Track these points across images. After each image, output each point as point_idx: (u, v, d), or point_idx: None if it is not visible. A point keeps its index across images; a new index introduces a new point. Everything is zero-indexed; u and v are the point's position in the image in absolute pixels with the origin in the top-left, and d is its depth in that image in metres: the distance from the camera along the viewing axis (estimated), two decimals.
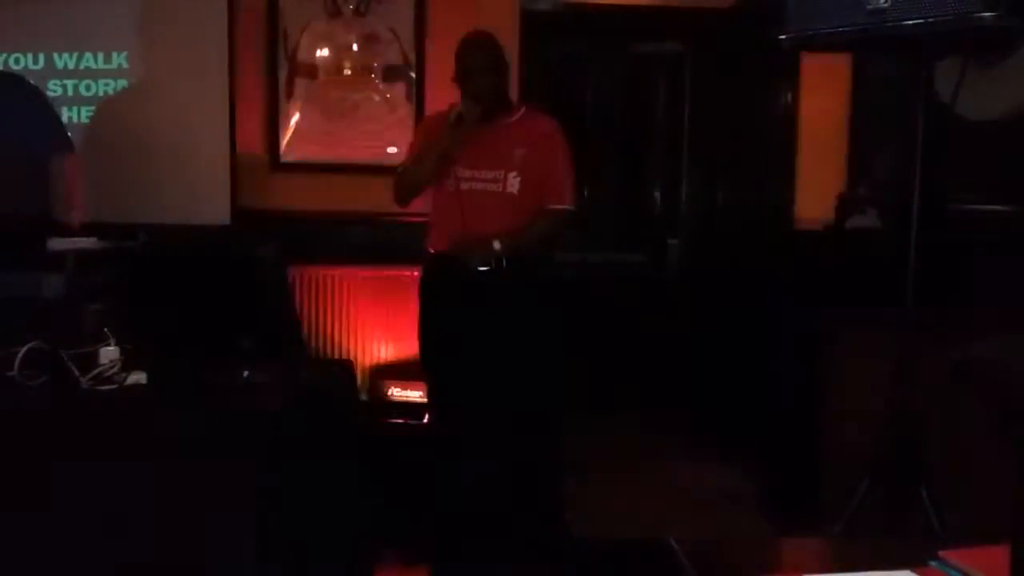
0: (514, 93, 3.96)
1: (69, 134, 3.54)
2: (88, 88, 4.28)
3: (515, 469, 3.61)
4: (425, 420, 4.10)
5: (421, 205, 3.52)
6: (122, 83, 4.26)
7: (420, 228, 4.03)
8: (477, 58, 3.32)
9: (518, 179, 3.35)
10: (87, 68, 4.26)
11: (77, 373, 2.28)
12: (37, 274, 2.81)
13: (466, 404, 3.49)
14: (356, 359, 4.29)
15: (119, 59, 4.26)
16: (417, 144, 3.50)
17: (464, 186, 3.34)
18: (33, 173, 3.22)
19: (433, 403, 3.58)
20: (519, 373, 3.46)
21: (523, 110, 3.48)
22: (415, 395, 4.27)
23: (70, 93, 4.27)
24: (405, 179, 3.44)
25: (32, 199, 3.20)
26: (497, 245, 3.28)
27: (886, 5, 1.97)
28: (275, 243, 2.34)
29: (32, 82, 3.45)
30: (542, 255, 3.51)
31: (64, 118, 4.22)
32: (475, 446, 3.51)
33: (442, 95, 4.44)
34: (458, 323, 3.40)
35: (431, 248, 3.47)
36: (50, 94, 4.18)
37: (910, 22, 1.95)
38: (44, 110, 3.35)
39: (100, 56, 4.26)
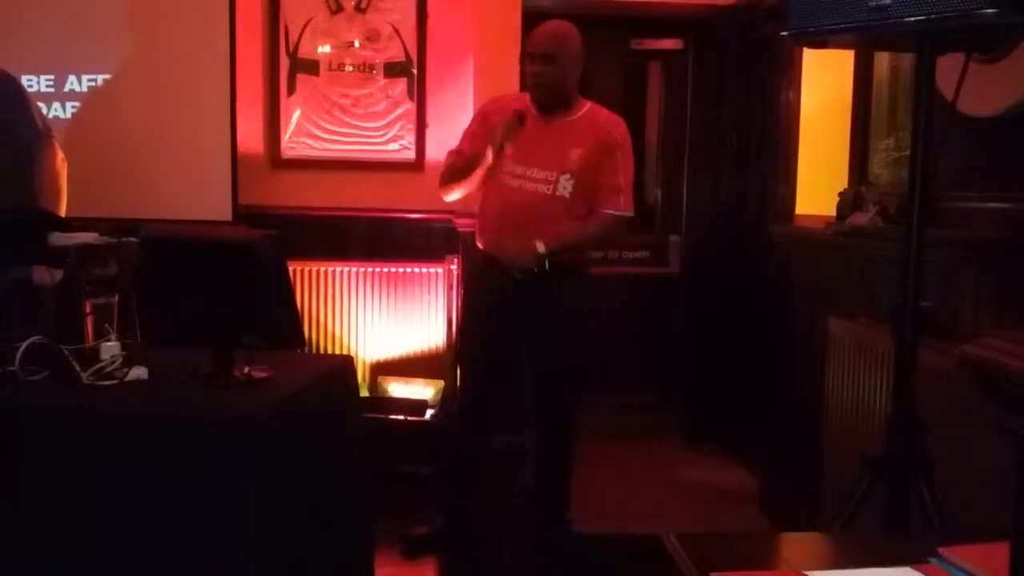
0: (514, 89, 3.96)
1: (47, 122, 3.49)
2: (92, 82, 4.28)
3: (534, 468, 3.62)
4: (427, 416, 4.11)
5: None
6: (124, 79, 4.26)
7: (420, 224, 4.05)
8: (535, 43, 3.24)
9: (571, 181, 3.23)
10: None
11: (78, 368, 2.28)
12: (38, 269, 2.82)
13: (496, 402, 3.48)
14: (357, 355, 4.29)
15: (119, 58, 4.26)
16: (471, 130, 3.41)
17: (514, 183, 3.26)
18: (18, 164, 3.20)
19: (464, 396, 3.55)
20: (544, 366, 3.42)
21: (587, 107, 3.35)
22: (415, 391, 4.27)
23: (72, 88, 4.27)
24: (450, 170, 3.36)
25: (22, 191, 3.19)
26: (541, 248, 3.18)
27: (888, 2, 1.96)
28: (276, 239, 2.34)
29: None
30: (584, 261, 3.42)
31: (67, 114, 4.24)
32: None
33: (444, 91, 4.45)
34: (497, 319, 3.35)
35: (479, 244, 3.42)
36: (49, 91, 4.20)
37: (912, 18, 1.94)
38: (20, 98, 3.31)
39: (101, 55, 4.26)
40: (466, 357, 3.51)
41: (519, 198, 3.25)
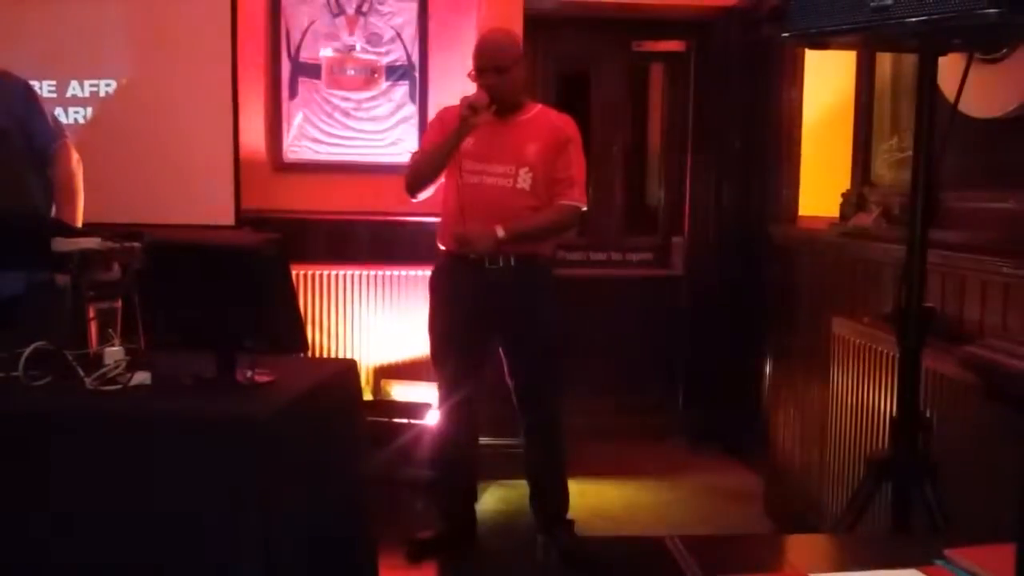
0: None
1: (60, 124, 3.49)
2: (94, 87, 4.28)
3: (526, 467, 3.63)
4: (427, 419, 4.11)
5: (428, 204, 3.52)
6: (125, 84, 4.27)
7: (423, 228, 4.04)
8: (483, 58, 3.33)
9: (530, 175, 3.35)
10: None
11: (81, 373, 2.28)
12: (42, 274, 2.82)
13: (476, 398, 3.50)
14: (360, 358, 4.29)
15: (121, 63, 4.27)
16: (430, 134, 3.51)
17: (473, 179, 3.34)
18: (31, 167, 3.20)
19: (443, 398, 3.57)
20: (525, 369, 3.47)
21: (538, 108, 3.49)
22: (418, 394, 4.27)
23: (74, 94, 4.28)
24: (415, 168, 3.45)
25: (34, 194, 3.19)
26: (501, 233, 3.26)
27: (889, 2, 1.96)
28: (279, 243, 2.34)
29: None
30: (547, 255, 3.51)
31: (69, 119, 4.24)
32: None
33: (445, 95, 4.45)
34: (467, 319, 3.40)
35: (441, 244, 3.48)
36: (51, 96, 4.20)
37: (913, 19, 1.94)
38: (33, 100, 3.31)
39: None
40: (439, 360, 3.53)
41: (479, 193, 3.34)
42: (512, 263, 3.35)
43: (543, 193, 3.37)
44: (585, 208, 3.47)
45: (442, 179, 3.43)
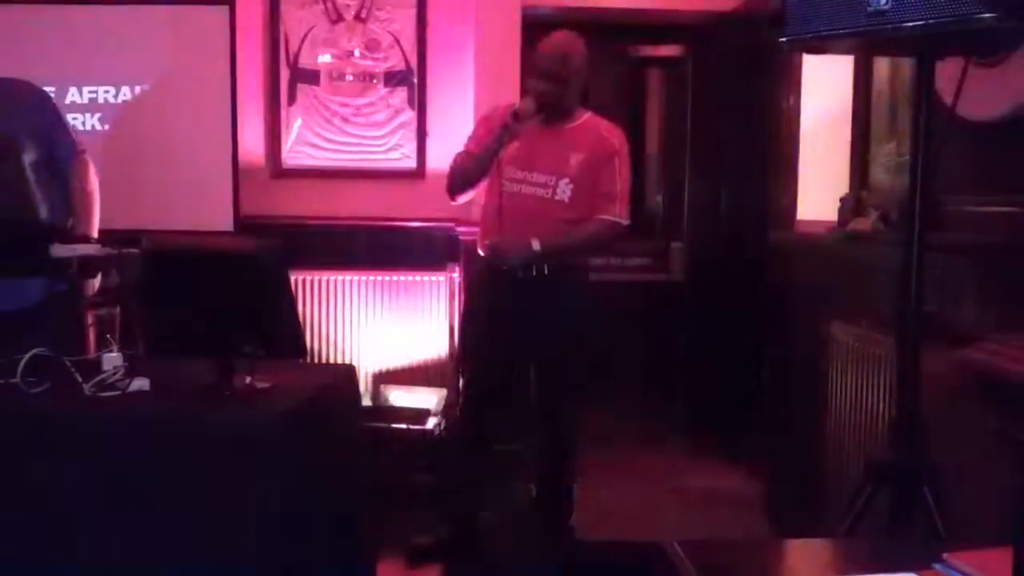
0: (513, 96, 3.96)
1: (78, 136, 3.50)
2: (92, 94, 4.29)
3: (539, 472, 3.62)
4: (429, 425, 4.11)
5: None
6: (124, 90, 4.27)
7: (421, 233, 4.05)
8: (546, 63, 3.25)
9: (570, 186, 3.26)
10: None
11: (80, 379, 2.28)
12: (40, 280, 2.82)
13: (498, 407, 3.47)
14: (358, 364, 4.29)
15: (120, 69, 4.27)
16: (477, 136, 3.42)
17: (514, 188, 3.28)
18: (46, 179, 3.20)
19: (465, 401, 3.55)
20: (551, 381, 3.44)
21: (587, 116, 3.38)
22: (418, 400, 4.27)
23: (73, 100, 4.28)
24: (458, 170, 3.37)
25: (40, 207, 3.19)
26: (536, 246, 3.20)
27: (886, 7, 1.97)
28: (277, 248, 2.34)
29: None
30: (583, 265, 3.43)
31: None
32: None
33: (443, 100, 4.46)
34: (497, 326, 3.35)
35: (480, 249, 3.43)
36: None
37: (910, 24, 1.94)
38: (55, 112, 3.31)
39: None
40: (467, 365, 3.51)
41: (518, 202, 3.27)
42: (546, 273, 3.27)
43: (583, 206, 3.27)
44: (627, 223, 3.34)
45: (483, 183, 3.35)
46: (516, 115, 3.16)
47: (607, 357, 4.92)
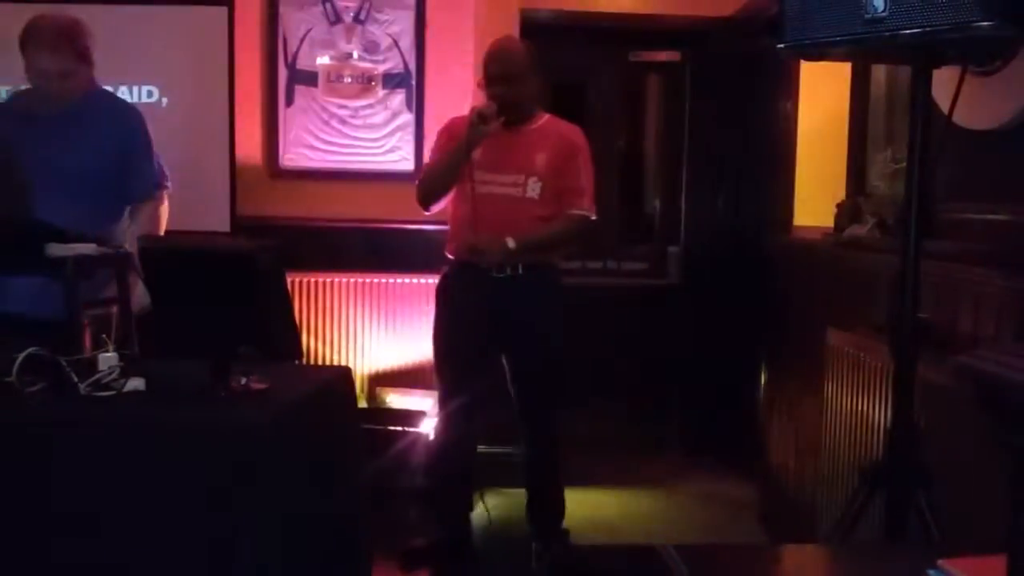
0: None
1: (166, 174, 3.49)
2: None
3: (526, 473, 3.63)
4: (423, 427, 4.10)
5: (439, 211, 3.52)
6: (123, 91, 4.26)
7: (418, 235, 4.04)
8: (493, 67, 3.32)
9: (539, 184, 3.34)
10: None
11: (76, 379, 2.27)
12: (36, 280, 2.82)
13: (478, 407, 3.48)
14: (355, 366, 4.29)
15: (118, 69, 4.26)
16: (439, 146, 3.48)
17: (483, 189, 3.32)
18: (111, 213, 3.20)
19: (444, 405, 3.56)
20: (529, 379, 3.46)
21: (546, 118, 3.46)
22: (414, 402, 4.27)
23: None
24: (426, 180, 3.43)
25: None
26: (511, 244, 3.25)
27: (884, 14, 1.97)
28: (274, 250, 2.34)
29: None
30: (556, 265, 3.49)
31: None
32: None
33: (442, 103, 4.46)
34: (473, 327, 3.37)
35: (450, 253, 3.47)
36: None
37: (908, 31, 1.95)
38: (147, 139, 3.29)
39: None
40: (442, 367, 3.52)
41: (489, 203, 3.31)
42: (520, 272, 3.34)
43: (552, 202, 3.36)
44: (595, 218, 3.44)
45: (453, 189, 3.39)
46: (481, 116, 3.20)
47: (600, 360, 4.94)
